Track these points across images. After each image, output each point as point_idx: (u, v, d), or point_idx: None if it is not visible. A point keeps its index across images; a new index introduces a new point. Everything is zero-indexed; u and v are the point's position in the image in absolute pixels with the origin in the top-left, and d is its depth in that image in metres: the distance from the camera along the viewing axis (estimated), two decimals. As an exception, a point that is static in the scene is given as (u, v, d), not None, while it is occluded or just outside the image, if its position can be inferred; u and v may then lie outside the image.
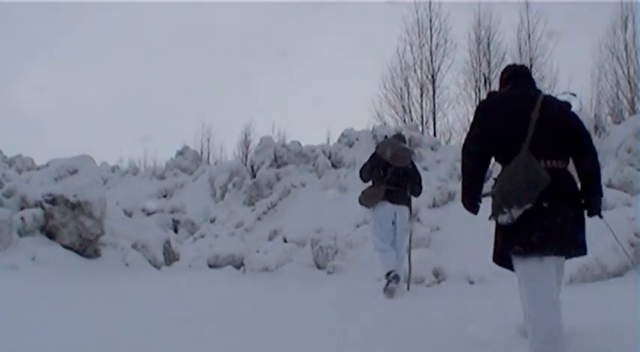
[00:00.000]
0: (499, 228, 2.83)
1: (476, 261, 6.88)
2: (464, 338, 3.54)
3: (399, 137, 6.00)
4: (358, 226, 8.53)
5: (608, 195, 7.17)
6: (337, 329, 3.70)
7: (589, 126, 8.80)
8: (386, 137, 6.07)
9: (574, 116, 2.96)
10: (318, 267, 7.82)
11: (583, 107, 15.59)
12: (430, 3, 17.41)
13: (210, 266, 8.38)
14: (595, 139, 8.58)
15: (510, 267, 2.87)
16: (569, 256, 2.92)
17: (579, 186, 2.91)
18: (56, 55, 37.66)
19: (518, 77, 3.07)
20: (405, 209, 5.61)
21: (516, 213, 2.66)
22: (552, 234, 2.71)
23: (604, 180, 7.79)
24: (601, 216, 2.98)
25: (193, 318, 3.76)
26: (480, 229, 7.56)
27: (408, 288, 5.53)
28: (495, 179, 2.83)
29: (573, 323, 3.44)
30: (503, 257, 2.89)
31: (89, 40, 39.08)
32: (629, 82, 15.29)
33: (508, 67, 3.24)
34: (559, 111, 2.87)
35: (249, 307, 4.44)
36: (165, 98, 36.33)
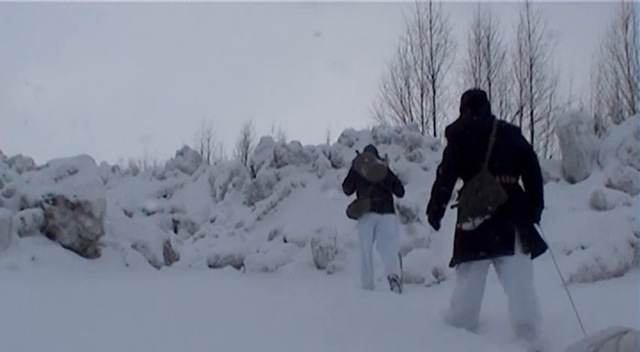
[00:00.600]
0: (460, 235, 3.35)
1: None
2: (464, 339, 3.54)
3: (371, 149, 6.25)
4: (358, 226, 8.52)
5: (609, 194, 7.18)
6: (337, 329, 3.70)
7: (589, 126, 8.80)
8: (357, 152, 6.34)
9: (523, 139, 3.55)
10: (318, 267, 7.82)
11: (583, 107, 15.63)
12: (431, 3, 17.44)
13: (210, 266, 8.38)
14: (595, 139, 8.58)
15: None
16: (528, 256, 3.36)
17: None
18: (56, 55, 37.69)
19: (476, 104, 3.55)
20: (391, 217, 5.97)
21: (478, 222, 3.20)
22: (506, 238, 3.24)
23: (604, 180, 7.80)
24: (539, 224, 3.43)
25: (193, 318, 3.76)
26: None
27: (400, 292, 5.63)
28: (459, 192, 3.35)
29: (573, 323, 3.44)
30: (459, 260, 3.40)
31: (89, 40, 39.11)
32: (630, 82, 15.30)
33: (468, 92, 3.74)
34: (512, 135, 3.43)
35: (249, 307, 4.43)
36: (165, 98, 36.38)
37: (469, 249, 3.29)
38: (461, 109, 3.63)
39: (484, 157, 3.26)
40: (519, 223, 3.27)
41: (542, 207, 3.43)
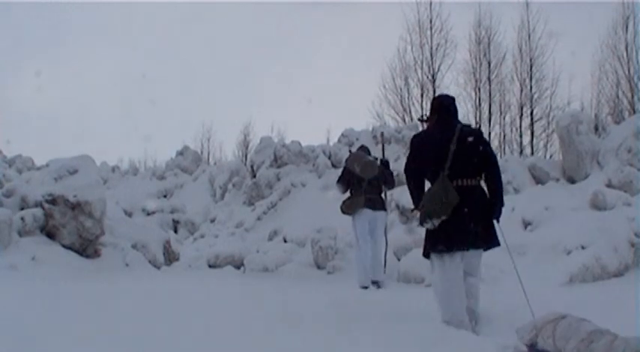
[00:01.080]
0: (427, 232, 3.79)
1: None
2: (464, 338, 3.54)
3: (364, 149, 6.74)
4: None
5: (609, 194, 7.17)
6: (337, 329, 3.70)
7: (589, 126, 8.79)
8: (350, 151, 6.96)
9: (484, 143, 3.85)
10: (318, 267, 7.82)
11: (583, 107, 15.63)
12: (431, 3, 17.42)
13: (210, 266, 8.38)
14: (595, 139, 8.57)
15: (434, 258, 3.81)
16: (485, 249, 3.88)
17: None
18: (56, 55, 37.70)
19: (442, 111, 3.88)
20: (383, 213, 6.44)
21: (437, 222, 3.62)
22: (466, 234, 3.67)
23: (604, 180, 7.80)
24: (498, 221, 3.86)
25: (193, 318, 3.76)
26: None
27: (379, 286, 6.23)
28: (422, 196, 3.79)
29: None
30: (428, 253, 3.85)
31: (89, 40, 39.11)
32: (630, 82, 15.29)
33: (437, 97, 4.19)
34: (473, 140, 3.75)
35: (249, 307, 4.43)
36: (166, 98, 36.38)
37: (452, 243, 3.67)
38: (430, 114, 3.98)
39: (443, 165, 3.66)
40: (480, 221, 3.73)
41: (501, 205, 3.83)
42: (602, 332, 2.74)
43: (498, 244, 3.87)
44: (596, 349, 2.62)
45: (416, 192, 3.85)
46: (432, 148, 3.75)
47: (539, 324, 3.05)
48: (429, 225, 3.67)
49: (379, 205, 6.35)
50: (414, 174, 3.88)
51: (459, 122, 3.88)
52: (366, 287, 6.16)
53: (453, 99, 4.05)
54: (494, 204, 3.79)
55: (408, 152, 4.02)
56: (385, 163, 6.66)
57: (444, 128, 3.79)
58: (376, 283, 6.22)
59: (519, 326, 3.22)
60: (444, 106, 3.90)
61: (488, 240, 3.81)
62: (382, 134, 8.08)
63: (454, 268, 3.68)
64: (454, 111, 3.92)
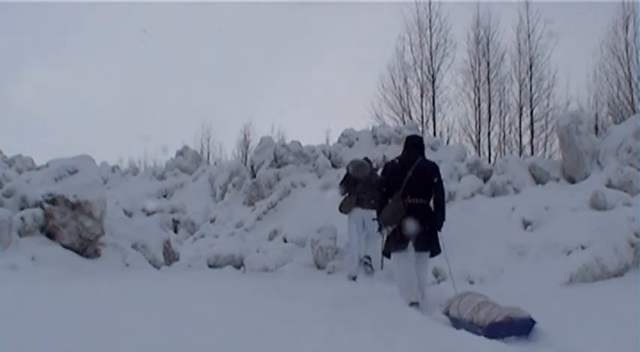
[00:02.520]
0: (388, 238, 5.21)
1: (476, 261, 6.88)
2: (464, 338, 3.54)
3: (365, 159, 7.96)
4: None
5: (609, 194, 7.18)
6: (337, 329, 3.70)
7: (589, 126, 8.79)
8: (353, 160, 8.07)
9: (436, 172, 5.14)
10: (318, 267, 7.82)
11: (583, 107, 15.62)
12: (430, 3, 17.38)
13: (210, 266, 8.38)
14: (595, 139, 8.57)
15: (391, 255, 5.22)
16: (428, 252, 5.12)
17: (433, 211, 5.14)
18: (56, 55, 37.69)
19: (409, 147, 5.31)
20: (372, 212, 6.86)
21: (390, 228, 5.09)
22: (414, 239, 4.98)
23: (604, 180, 7.80)
24: (440, 230, 5.07)
25: (193, 318, 3.76)
26: (479, 229, 7.57)
27: (373, 270, 7.21)
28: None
29: (574, 323, 3.45)
30: (388, 252, 5.24)
31: (89, 40, 39.09)
32: (630, 82, 15.28)
33: (408, 137, 5.50)
34: (427, 170, 5.12)
35: (249, 307, 4.44)
36: (166, 98, 36.36)
37: (403, 245, 5.01)
38: (404, 147, 5.39)
39: (400, 186, 5.02)
40: (426, 230, 4.97)
41: (443, 219, 5.07)
42: (487, 303, 3.89)
43: (439, 251, 5.11)
44: (481, 314, 3.79)
45: (380, 208, 5.22)
46: (396, 174, 5.14)
47: (451, 299, 4.31)
48: (385, 231, 5.20)
49: (369, 205, 7.06)
50: (382, 196, 5.22)
51: (422, 156, 5.26)
52: (354, 278, 6.91)
53: (420, 138, 5.53)
54: (437, 217, 5.05)
55: (382, 174, 5.50)
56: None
57: (407, 160, 5.18)
58: (367, 258, 7.21)
59: (442, 302, 4.46)
60: (410, 144, 5.33)
61: (432, 247, 5.07)
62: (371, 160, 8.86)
63: (407, 262, 4.99)
64: (419, 147, 5.33)
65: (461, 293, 4.33)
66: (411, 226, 4.87)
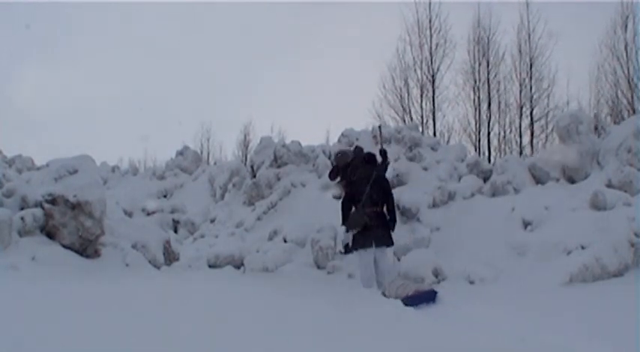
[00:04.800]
0: (353, 239, 6.37)
1: (476, 261, 6.88)
2: (464, 338, 3.54)
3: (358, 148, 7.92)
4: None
5: (609, 194, 7.18)
6: (337, 329, 3.70)
7: (589, 126, 8.78)
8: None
9: (387, 183, 6.64)
10: (318, 267, 7.82)
11: (583, 107, 15.62)
12: (430, 3, 17.41)
13: (210, 266, 8.38)
14: (595, 139, 8.57)
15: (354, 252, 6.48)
16: (383, 246, 6.35)
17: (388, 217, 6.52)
18: (56, 54, 37.68)
19: (367, 162, 6.67)
20: (384, 245, 7.08)
21: (354, 231, 6.33)
22: (372, 238, 6.26)
23: (604, 180, 7.79)
24: (393, 231, 6.45)
25: (193, 318, 3.76)
26: (479, 229, 7.57)
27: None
28: (349, 215, 6.47)
29: (574, 323, 3.45)
30: (351, 249, 6.46)
31: (89, 40, 39.10)
32: (629, 82, 15.29)
33: (360, 151, 7.02)
34: (381, 182, 6.51)
35: (250, 307, 4.44)
36: (165, 98, 36.38)
37: (364, 242, 6.25)
38: (354, 155, 6.96)
39: (361, 199, 6.33)
40: (382, 231, 6.30)
41: (394, 222, 6.46)
42: (405, 284, 5.49)
43: (392, 244, 6.44)
44: (400, 292, 5.29)
45: (344, 215, 6.52)
46: (357, 186, 6.45)
47: (387, 284, 5.78)
48: (351, 233, 6.36)
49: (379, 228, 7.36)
50: (346, 207, 6.53)
51: (376, 169, 6.56)
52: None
53: (373, 155, 6.82)
54: (390, 220, 6.43)
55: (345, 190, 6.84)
56: (383, 153, 7.10)
57: (364, 176, 6.46)
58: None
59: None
60: (365, 160, 6.71)
61: (387, 242, 6.36)
62: (380, 127, 8.65)
63: (367, 257, 6.24)
64: (374, 162, 6.67)
65: (391, 280, 5.88)
66: (374, 229, 6.23)
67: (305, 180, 10.76)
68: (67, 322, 3.46)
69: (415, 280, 6.62)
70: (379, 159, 7.01)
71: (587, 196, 7.31)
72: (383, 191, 6.40)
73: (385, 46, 36.35)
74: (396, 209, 6.47)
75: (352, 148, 7.75)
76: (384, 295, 5.54)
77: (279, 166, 11.30)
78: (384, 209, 6.44)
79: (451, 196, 8.64)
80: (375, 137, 8.99)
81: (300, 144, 11.53)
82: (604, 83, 15.86)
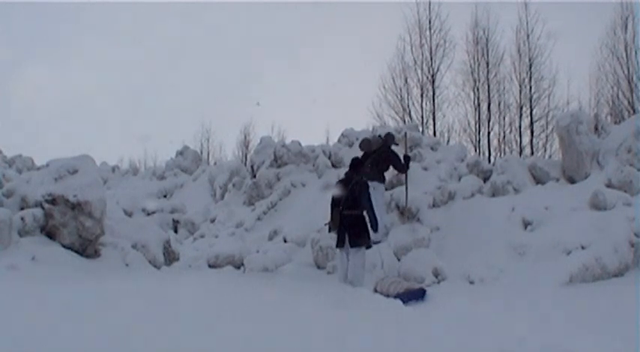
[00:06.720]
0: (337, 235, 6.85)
1: (476, 261, 6.88)
2: (464, 338, 3.54)
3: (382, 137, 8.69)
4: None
5: (609, 194, 7.18)
6: (337, 329, 3.70)
7: (589, 126, 8.78)
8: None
9: (365, 189, 6.76)
10: (318, 267, 7.82)
11: (583, 107, 15.62)
12: (430, 3, 17.39)
13: (210, 266, 8.38)
14: (595, 139, 8.57)
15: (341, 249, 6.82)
16: (357, 248, 6.59)
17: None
18: (56, 54, 37.69)
19: (350, 167, 7.09)
20: (376, 184, 7.81)
21: (334, 230, 6.89)
22: (348, 238, 6.62)
23: (604, 180, 7.80)
24: (375, 231, 6.75)
25: (193, 318, 3.76)
26: (479, 229, 7.57)
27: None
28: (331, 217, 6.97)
29: (574, 323, 3.45)
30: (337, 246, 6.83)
31: (89, 40, 39.10)
32: (629, 82, 15.28)
33: (352, 159, 7.23)
34: (359, 187, 6.73)
35: (249, 307, 4.43)
36: (166, 98, 36.38)
37: (339, 242, 6.70)
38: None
39: (340, 201, 6.75)
40: (357, 232, 6.58)
41: (374, 222, 6.63)
42: (396, 282, 6.02)
43: (371, 246, 6.79)
44: (392, 289, 5.79)
45: (331, 217, 6.88)
46: (339, 191, 6.85)
47: (378, 280, 6.34)
48: (332, 233, 7.06)
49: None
50: (331, 208, 6.88)
51: (358, 175, 6.94)
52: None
53: (359, 160, 7.22)
54: (370, 222, 6.65)
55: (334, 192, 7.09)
56: (407, 158, 8.22)
57: (347, 179, 6.93)
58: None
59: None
60: (351, 164, 7.08)
61: (359, 242, 6.58)
62: (406, 134, 9.33)
63: (342, 255, 6.73)
64: (356, 168, 7.01)
65: (382, 277, 6.50)
66: (348, 230, 6.65)
67: (305, 180, 10.76)
68: (67, 322, 3.46)
69: (416, 280, 6.63)
70: (402, 163, 8.06)
71: (587, 196, 7.31)
72: (360, 197, 6.67)
73: (385, 46, 36.39)
74: (373, 212, 6.68)
75: (377, 136, 8.70)
76: (376, 291, 5.97)
77: (279, 166, 11.30)
78: (363, 212, 6.71)
79: (451, 196, 8.64)
80: (397, 143, 9.38)
81: (300, 144, 11.53)
82: (604, 83, 15.87)
